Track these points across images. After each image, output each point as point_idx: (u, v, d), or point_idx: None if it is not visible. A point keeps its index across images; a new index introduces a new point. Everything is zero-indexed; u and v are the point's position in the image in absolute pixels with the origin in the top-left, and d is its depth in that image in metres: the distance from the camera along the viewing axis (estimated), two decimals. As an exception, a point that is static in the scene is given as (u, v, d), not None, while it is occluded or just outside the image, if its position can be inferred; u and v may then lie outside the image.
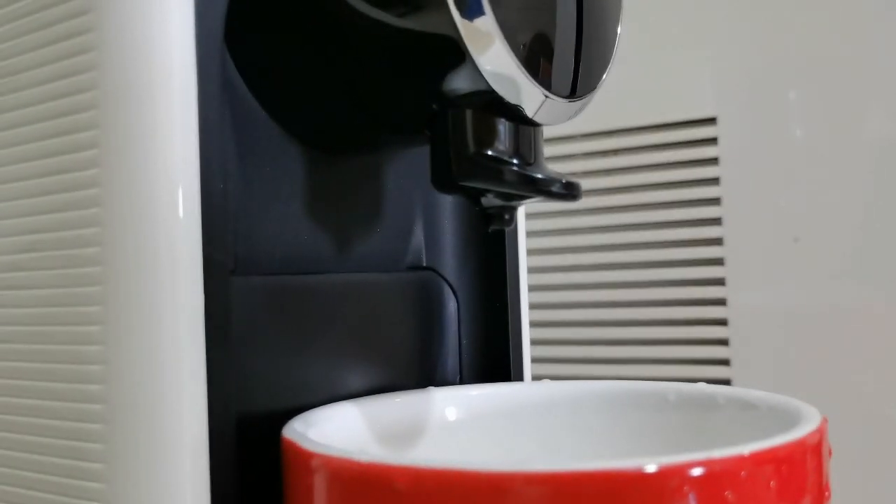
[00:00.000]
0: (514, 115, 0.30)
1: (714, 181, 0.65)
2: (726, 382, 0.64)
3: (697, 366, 0.66)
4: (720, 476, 0.23)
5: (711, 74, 0.65)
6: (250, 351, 0.31)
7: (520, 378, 0.40)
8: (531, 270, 0.67)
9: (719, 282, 0.65)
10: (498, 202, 0.31)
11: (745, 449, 0.24)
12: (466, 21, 0.27)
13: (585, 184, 0.66)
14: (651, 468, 0.22)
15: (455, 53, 0.28)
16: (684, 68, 0.67)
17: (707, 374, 0.65)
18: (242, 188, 0.32)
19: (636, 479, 0.22)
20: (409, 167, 0.38)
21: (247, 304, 0.31)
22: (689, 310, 0.66)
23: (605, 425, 0.35)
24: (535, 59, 0.29)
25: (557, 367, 0.71)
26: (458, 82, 0.29)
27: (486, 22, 0.27)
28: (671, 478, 0.22)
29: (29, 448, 0.31)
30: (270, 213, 0.33)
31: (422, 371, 0.38)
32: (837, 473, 0.29)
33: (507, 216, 0.32)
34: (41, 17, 0.31)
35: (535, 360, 0.57)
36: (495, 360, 0.40)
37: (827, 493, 0.27)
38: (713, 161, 0.65)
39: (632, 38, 0.39)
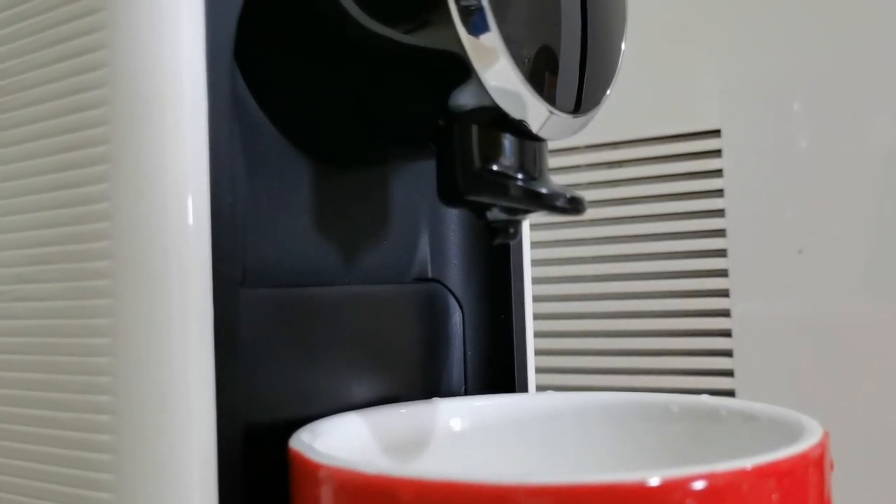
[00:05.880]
0: (519, 130, 0.30)
1: (718, 193, 0.65)
2: (730, 393, 0.64)
3: (701, 377, 0.66)
4: (723, 489, 0.23)
5: (715, 86, 0.66)
6: (258, 362, 0.31)
7: (524, 389, 0.40)
8: (535, 281, 0.67)
9: (723, 293, 0.65)
10: (503, 216, 0.31)
11: (748, 462, 0.24)
12: (472, 37, 0.27)
13: (589, 195, 0.66)
14: (654, 481, 0.23)
15: (460, 69, 0.28)
16: (688, 80, 0.67)
17: (711, 385, 0.65)
18: (251, 201, 0.32)
19: (639, 492, 0.23)
20: (415, 180, 0.38)
21: (255, 316, 0.31)
22: (693, 321, 0.66)
23: (608, 436, 0.36)
24: (540, 74, 0.29)
25: (562, 378, 0.72)
26: (464, 98, 0.29)
27: (492, 38, 0.27)
28: (674, 491, 0.23)
29: (38, 458, 0.31)
30: (279, 226, 0.33)
31: (427, 382, 0.38)
32: (840, 487, 0.30)
33: (511, 230, 0.32)
34: (52, 34, 0.31)
35: (539, 371, 0.58)
36: (500, 371, 0.40)
37: (829, 507, 0.27)
38: (717, 173, 0.65)
39: (636, 50, 0.39)
